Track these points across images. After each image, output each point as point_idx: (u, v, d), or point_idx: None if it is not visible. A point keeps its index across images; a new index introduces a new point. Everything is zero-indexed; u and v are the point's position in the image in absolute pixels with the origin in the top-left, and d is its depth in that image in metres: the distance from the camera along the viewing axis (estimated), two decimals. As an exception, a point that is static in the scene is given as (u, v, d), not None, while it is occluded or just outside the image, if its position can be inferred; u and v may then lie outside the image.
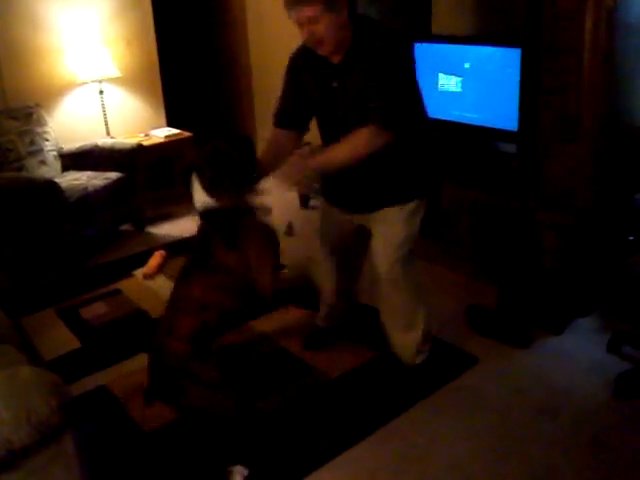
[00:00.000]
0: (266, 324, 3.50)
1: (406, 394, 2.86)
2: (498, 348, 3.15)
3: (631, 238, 3.04)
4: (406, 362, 2.96)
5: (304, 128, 2.82)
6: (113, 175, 4.69)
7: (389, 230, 2.75)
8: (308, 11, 2.31)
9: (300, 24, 2.37)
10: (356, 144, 2.46)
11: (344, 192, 2.78)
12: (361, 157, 2.46)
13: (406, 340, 2.93)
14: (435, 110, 4.08)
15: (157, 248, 4.53)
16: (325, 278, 3.16)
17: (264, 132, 6.44)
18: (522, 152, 3.44)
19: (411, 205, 2.73)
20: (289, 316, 3.57)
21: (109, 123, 5.34)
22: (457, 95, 3.92)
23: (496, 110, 3.70)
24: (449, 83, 3.96)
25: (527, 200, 3.43)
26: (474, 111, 3.85)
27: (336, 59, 2.49)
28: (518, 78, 3.37)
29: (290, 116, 2.75)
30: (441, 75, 4.00)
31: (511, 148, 3.59)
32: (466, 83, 3.85)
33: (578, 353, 3.08)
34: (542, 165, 3.32)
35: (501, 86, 3.61)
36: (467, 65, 3.81)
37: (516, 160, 3.48)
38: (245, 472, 2.43)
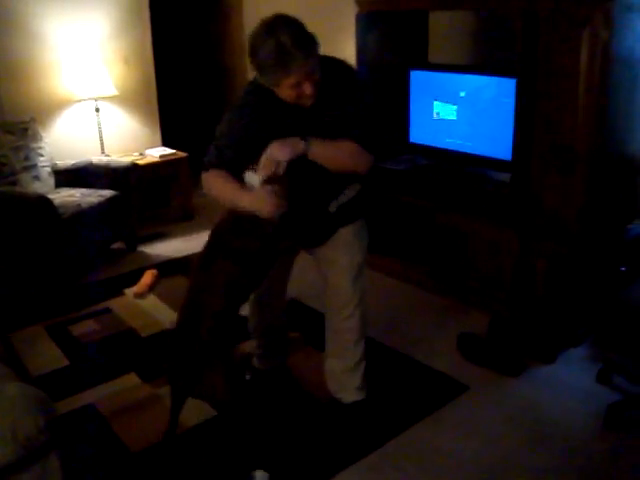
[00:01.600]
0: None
1: (396, 421, 2.84)
2: (489, 376, 3.14)
3: (623, 269, 3.05)
4: (347, 401, 2.86)
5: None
6: (107, 193, 4.69)
7: (344, 249, 2.68)
8: (312, 62, 2.21)
9: (301, 81, 2.22)
10: (352, 151, 2.40)
11: (299, 229, 2.64)
12: (350, 167, 2.46)
13: (353, 377, 2.84)
14: (430, 137, 4.13)
15: (149, 267, 4.52)
16: (250, 313, 3.07)
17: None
18: (515, 181, 3.45)
19: (359, 223, 2.72)
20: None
21: (104, 141, 5.35)
22: (452, 123, 3.96)
23: (490, 139, 3.73)
24: (444, 111, 3.99)
25: (520, 229, 3.45)
26: (469, 139, 3.88)
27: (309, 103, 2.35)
28: (513, 108, 3.40)
29: (236, 160, 2.48)
30: (436, 103, 4.03)
31: (505, 177, 3.61)
32: (461, 111, 3.89)
33: (569, 382, 3.07)
34: (535, 194, 3.34)
35: (496, 115, 3.65)
36: (462, 94, 3.85)
37: (509, 189, 3.49)
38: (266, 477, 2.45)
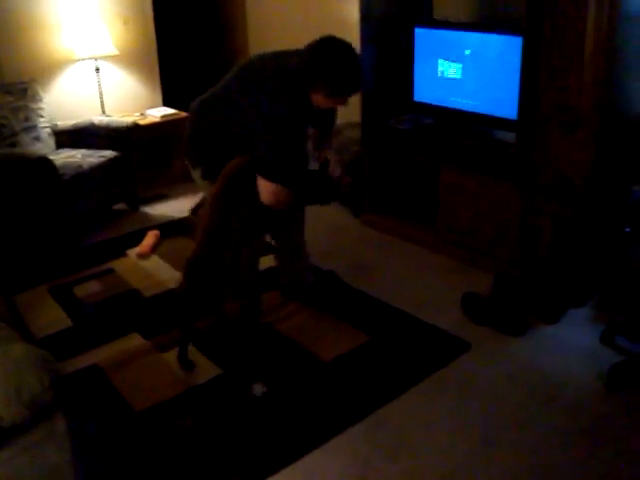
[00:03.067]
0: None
1: (399, 379, 2.85)
2: (492, 336, 3.15)
3: (628, 230, 3.03)
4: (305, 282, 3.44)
5: None
6: (108, 154, 4.65)
7: None
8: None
9: (344, 101, 2.79)
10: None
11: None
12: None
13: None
14: (434, 96, 4.08)
15: (151, 228, 4.50)
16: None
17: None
18: (521, 141, 3.42)
19: None
20: (285, 299, 3.56)
21: (105, 101, 5.29)
22: (457, 82, 3.90)
23: (496, 98, 3.68)
24: (449, 70, 3.94)
25: (525, 189, 3.42)
26: (474, 98, 3.83)
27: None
28: (519, 66, 3.34)
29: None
30: (441, 61, 3.97)
31: (510, 137, 3.57)
32: (466, 70, 3.83)
33: (572, 343, 3.08)
34: (540, 154, 3.30)
35: (501, 74, 3.59)
36: (468, 52, 3.78)
37: (515, 149, 3.46)
38: (264, 389, 2.77)
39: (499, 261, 3.64)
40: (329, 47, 2.64)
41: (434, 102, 4.11)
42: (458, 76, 3.88)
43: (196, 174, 3.03)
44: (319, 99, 2.74)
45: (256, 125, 2.73)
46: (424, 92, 4.16)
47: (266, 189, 2.78)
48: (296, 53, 2.78)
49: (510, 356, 3.00)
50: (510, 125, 3.56)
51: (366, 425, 2.59)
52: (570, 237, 3.27)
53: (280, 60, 2.81)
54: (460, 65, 3.85)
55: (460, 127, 3.97)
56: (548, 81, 3.18)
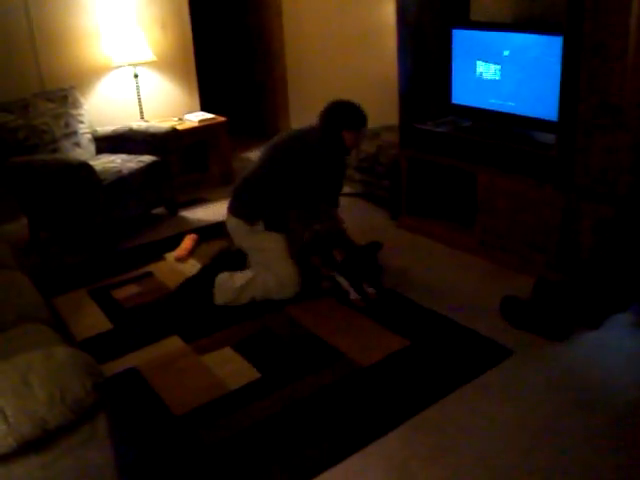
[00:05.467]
0: (303, 311, 3.50)
1: (439, 384, 2.83)
2: (533, 341, 3.10)
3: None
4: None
5: None
6: (147, 159, 4.70)
7: None
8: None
9: (360, 136, 3.63)
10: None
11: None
12: None
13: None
14: (472, 98, 4.05)
15: (189, 232, 4.55)
16: None
17: (297, 115, 6.43)
18: (561, 142, 3.37)
19: None
20: (324, 305, 3.56)
21: (143, 107, 5.36)
22: (495, 83, 3.87)
23: (535, 99, 3.64)
24: (487, 71, 3.90)
25: (565, 191, 3.37)
26: (512, 100, 3.79)
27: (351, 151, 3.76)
28: (559, 67, 3.29)
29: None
30: (479, 63, 3.94)
31: (549, 138, 3.52)
32: (505, 71, 3.79)
33: (615, 349, 3.02)
34: (581, 155, 3.25)
35: (541, 75, 3.55)
36: (506, 53, 3.75)
37: (555, 150, 3.41)
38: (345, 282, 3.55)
39: (539, 264, 3.59)
40: (340, 100, 3.57)
41: (472, 104, 4.08)
42: (497, 77, 3.85)
43: (255, 227, 3.63)
44: (348, 137, 3.53)
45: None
46: (462, 94, 4.13)
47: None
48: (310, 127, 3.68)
49: (551, 362, 2.96)
50: (549, 126, 3.51)
51: (405, 430, 2.57)
52: (612, 239, 3.21)
53: (301, 130, 3.77)
54: (499, 66, 3.81)
55: (498, 129, 3.93)
56: (589, 81, 3.12)
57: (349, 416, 2.66)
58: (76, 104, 4.84)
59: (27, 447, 1.61)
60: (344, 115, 3.52)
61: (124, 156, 4.72)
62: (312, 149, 3.58)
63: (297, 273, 3.55)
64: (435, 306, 3.44)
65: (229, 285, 3.57)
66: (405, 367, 2.96)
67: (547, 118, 3.53)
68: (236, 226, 3.70)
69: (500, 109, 3.88)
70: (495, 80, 3.86)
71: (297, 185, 3.61)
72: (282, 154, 3.62)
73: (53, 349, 1.79)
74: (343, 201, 4.01)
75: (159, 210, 5.07)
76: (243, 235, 3.70)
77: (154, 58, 5.25)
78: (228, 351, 3.15)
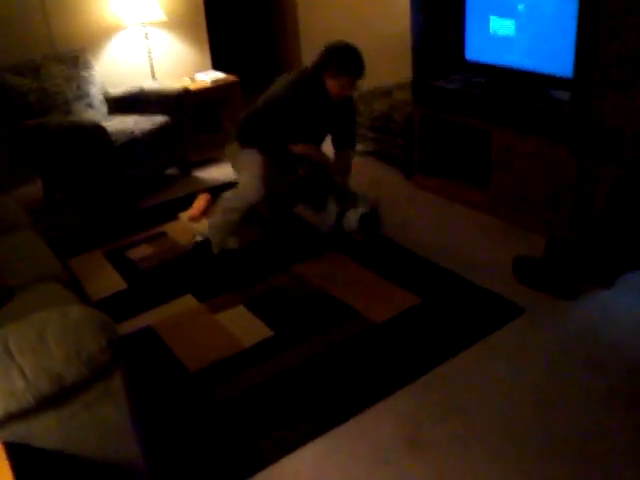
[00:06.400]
0: (310, 269, 3.52)
1: (450, 342, 2.84)
2: (545, 299, 3.11)
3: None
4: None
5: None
6: (159, 119, 4.69)
7: None
8: (358, 80, 3.42)
9: (348, 85, 3.42)
10: (351, 160, 3.78)
11: None
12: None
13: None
14: (486, 55, 3.99)
15: (202, 191, 4.56)
16: None
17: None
18: (576, 100, 3.32)
19: None
20: (333, 262, 3.58)
21: (154, 67, 5.33)
22: (510, 39, 3.80)
23: (550, 55, 3.57)
24: (501, 27, 3.83)
25: (579, 149, 3.34)
26: (527, 56, 3.73)
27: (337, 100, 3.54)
28: (575, 22, 3.23)
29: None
30: (493, 18, 3.87)
31: (565, 95, 3.47)
32: (519, 27, 3.72)
33: (628, 308, 3.01)
34: (596, 113, 3.21)
35: (556, 30, 3.48)
36: (521, 7, 3.67)
37: (569, 107, 3.36)
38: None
39: (552, 223, 3.57)
40: (336, 42, 3.41)
41: (486, 61, 4.02)
42: (511, 33, 3.78)
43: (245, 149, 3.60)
44: (329, 83, 3.39)
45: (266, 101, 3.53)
46: (476, 51, 4.07)
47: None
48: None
49: (563, 321, 2.96)
50: (565, 83, 3.46)
51: (416, 387, 2.60)
52: (625, 198, 3.18)
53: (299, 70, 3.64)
54: (513, 21, 3.74)
55: (513, 86, 3.88)
56: (606, 36, 3.06)
57: (361, 373, 2.69)
58: (87, 65, 4.82)
59: (45, 403, 1.65)
60: (327, 57, 3.36)
61: (136, 117, 4.71)
62: (286, 88, 3.47)
63: (261, 179, 3.49)
64: (447, 264, 3.45)
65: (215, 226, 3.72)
66: (417, 325, 2.98)
67: (563, 75, 3.47)
68: (233, 150, 3.71)
69: (515, 65, 3.82)
70: (509, 36, 3.79)
71: (279, 121, 3.48)
72: (270, 90, 3.56)
73: (68, 308, 1.81)
74: (356, 159, 3.99)
75: (172, 170, 5.08)
76: (235, 158, 3.71)
77: (164, 18, 5.20)
78: (241, 309, 3.19)
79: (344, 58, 3.33)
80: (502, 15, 3.80)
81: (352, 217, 3.68)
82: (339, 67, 3.34)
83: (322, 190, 3.78)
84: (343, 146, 3.76)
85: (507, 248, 3.53)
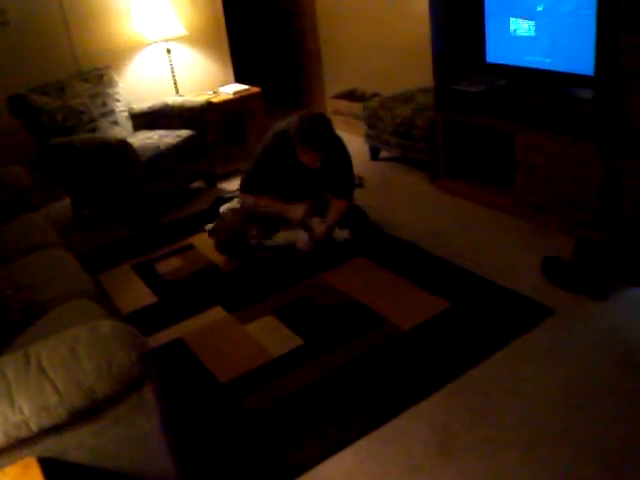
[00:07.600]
0: (337, 276, 3.53)
1: (480, 346, 2.83)
2: (575, 300, 3.08)
3: None
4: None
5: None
6: (184, 133, 4.75)
7: None
8: (321, 153, 3.54)
9: (315, 159, 3.55)
10: (341, 211, 3.79)
11: None
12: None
13: None
14: (507, 56, 3.97)
15: (228, 204, 4.58)
16: None
17: (331, 82, 6.38)
18: (599, 98, 3.29)
19: None
20: (361, 268, 3.59)
21: (177, 81, 5.40)
22: (530, 40, 3.78)
23: (571, 54, 3.55)
24: (521, 27, 3.82)
25: (604, 148, 3.30)
26: (548, 56, 3.71)
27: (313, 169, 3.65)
28: (594, 20, 3.21)
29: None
30: (512, 19, 3.86)
31: (588, 94, 3.45)
32: (539, 27, 3.70)
33: (659, 305, 2.98)
34: (620, 111, 3.17)
35: (576, 29, 3.45)
36: (540, 8, 3.66)
37: (592, 107, 3.34)
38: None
39: (579, 223, 3.54)
40: (308, 115, 3.60)
41: (507, 62, 4.00)
42: (531, 34, 3.77)
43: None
44: (299, 153, 3.57)
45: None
46: (496, 53, 4.06)
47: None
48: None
49: (594, 321, 2.92)
50: (587, 82, 3.43)
51: (446, 393, 2.59)
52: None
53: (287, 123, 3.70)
54: (533, 22, 3.73)
55: (535, 86, 3.86)
56: (628, 32, 3.03)
57: (391, 379, 2.69)
58: (112, 83, 4.90)
59: (77, 418, 1.68)
60: (296, 132, 3.50)
61: (161, 132, 4.77)
62: (266, 144, 3.72)
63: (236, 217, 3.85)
64: (476, 268, 3.43)
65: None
66: (446, 329, 2.97)
67: (584, 73, 3.45)
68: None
69: (536, 66, 3.80)
70: (530, 36, 3.78)
71: (266, 175, 3.72)
72: (260, 143, 3.83)
73: (99, 323, 1.84)
74: (382, 166, 3.98)
75: (198, 183, 5.13)
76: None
77: (186, 32, 5.27)
78: (270, 319, 3.20)
79: (309, 137, 3.47)
80: (521, 16, 3.78)
81: (340, 234, 3.81)
82: (304, 144, 3.50)
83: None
84: (338, 196, 3.82)
85: (534, 250, 3.50)
